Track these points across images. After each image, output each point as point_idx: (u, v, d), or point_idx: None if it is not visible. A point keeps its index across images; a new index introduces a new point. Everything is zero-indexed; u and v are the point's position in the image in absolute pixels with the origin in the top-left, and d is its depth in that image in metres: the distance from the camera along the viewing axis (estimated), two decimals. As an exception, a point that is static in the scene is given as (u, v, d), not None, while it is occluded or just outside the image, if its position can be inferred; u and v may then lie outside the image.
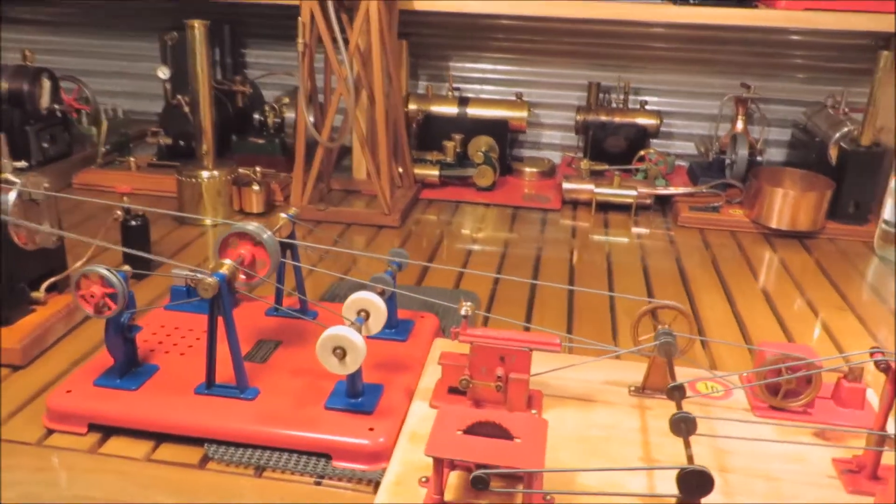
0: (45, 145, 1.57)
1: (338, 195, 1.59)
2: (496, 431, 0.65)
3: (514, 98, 1.78)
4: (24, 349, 0.90)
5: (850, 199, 1.47)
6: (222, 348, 0.79)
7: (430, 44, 1.87)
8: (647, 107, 1.76)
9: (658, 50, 1.81)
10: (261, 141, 1.65)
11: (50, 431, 0.78)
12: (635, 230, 1.49)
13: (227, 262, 0.79)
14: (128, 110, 1.83)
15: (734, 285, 1.23)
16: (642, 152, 1.67)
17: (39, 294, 0.97)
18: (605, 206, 1.57)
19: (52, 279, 0.99)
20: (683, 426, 0.62)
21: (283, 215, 0.93)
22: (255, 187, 1.46)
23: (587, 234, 1.46)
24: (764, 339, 1.04)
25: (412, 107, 1.76)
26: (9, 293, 0.92)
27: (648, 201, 1.56)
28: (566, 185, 1.59)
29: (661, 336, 0.77)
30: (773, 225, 1.45)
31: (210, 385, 0.81)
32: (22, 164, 0.93)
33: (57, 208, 0.97)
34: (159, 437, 0.77)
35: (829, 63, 1.76)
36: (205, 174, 1.42)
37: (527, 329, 1.04)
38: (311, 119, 1.44)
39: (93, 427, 0.78)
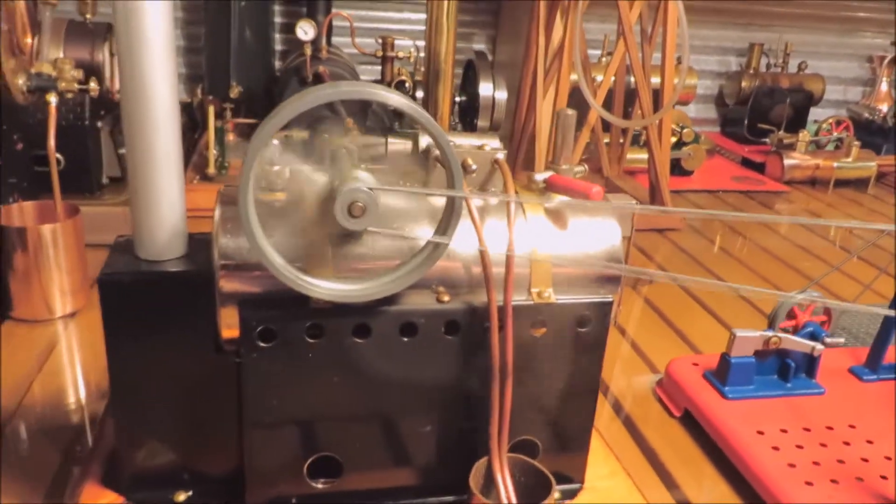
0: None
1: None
2: None
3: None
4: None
5: None
6: None
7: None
8: (807, 70, 1.59)
9: (796, 6, 1.64)
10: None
11: None
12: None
13: None
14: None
15: None
16: (825, 122, 1.49)
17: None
18: (827, 183, 1.37)
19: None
20: None
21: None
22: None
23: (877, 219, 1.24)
24: None
25: (562, 75, 1.41)
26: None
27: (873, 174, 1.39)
28: (789, 161, 1.36)
29: None
30: None
31: None
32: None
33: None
34: None
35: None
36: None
37: None
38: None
39: None
